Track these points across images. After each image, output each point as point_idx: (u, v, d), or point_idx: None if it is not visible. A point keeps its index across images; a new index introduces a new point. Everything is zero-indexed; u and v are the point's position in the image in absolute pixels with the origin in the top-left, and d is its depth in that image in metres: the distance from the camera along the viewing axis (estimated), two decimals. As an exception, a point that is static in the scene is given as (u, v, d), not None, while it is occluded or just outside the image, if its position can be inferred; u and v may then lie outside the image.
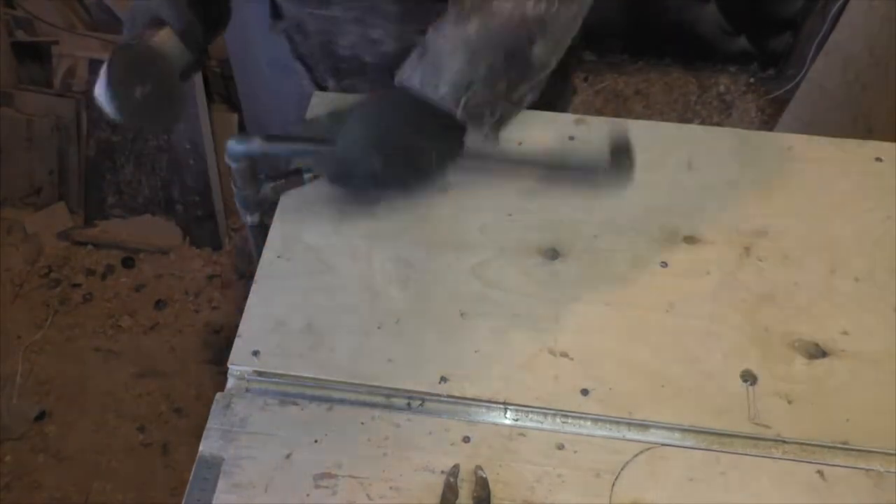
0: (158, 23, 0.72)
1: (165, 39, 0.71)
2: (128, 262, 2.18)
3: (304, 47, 0.95)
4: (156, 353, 2.00)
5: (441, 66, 0.67)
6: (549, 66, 0.69)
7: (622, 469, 0.64)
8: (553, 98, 0.80)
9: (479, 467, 0.64)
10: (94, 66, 2.10)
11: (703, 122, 2.30)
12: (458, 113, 0.67)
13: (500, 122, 0.71)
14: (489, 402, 0.68)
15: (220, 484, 0.63)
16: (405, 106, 0.69)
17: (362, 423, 0.67)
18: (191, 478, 0.64)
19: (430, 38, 0.68)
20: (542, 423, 0.67)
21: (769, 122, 2.32)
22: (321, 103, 0.89)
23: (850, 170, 0.84)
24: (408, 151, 0.70)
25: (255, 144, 0.72)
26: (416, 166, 0.71)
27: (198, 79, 1.97)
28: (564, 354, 0.70)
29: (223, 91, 2.14)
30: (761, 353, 0.71)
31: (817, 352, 0.71)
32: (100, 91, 0.66)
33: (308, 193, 0.79)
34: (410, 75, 0.68)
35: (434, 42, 0.68)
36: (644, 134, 0.86)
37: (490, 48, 0.66)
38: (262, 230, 0.79)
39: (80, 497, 1.76)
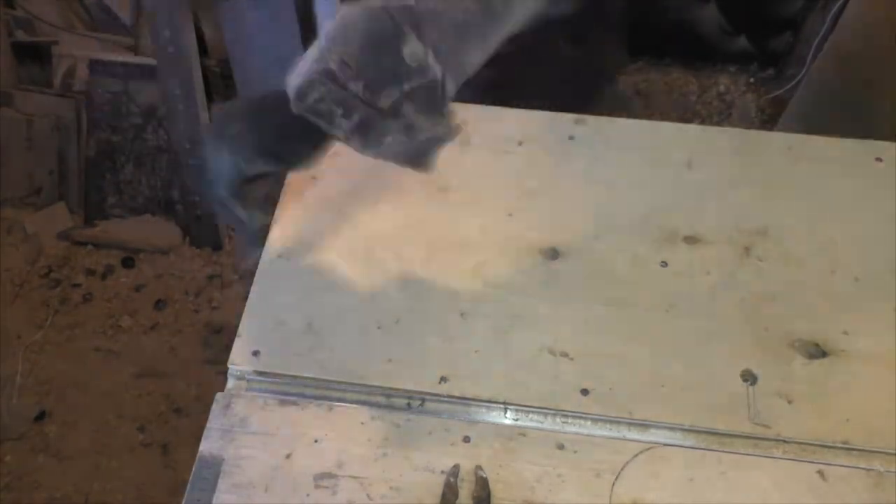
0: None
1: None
2: (128, 262, 2.18)
3: None
4: (156, 353, 2.01)
5: (304, 57, 0.56)
6: (426, 71, 0.55)
7: (622, 469, 0.64)
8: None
9: (479, 467, 0.64)
10: (94, 66, 2.10)
11: (703, 122, 2.30)
12: (296, 106, 0.56)
13: (365, 131, 0.57)
14: (489, 401, 0.68)
15: (220, 484, 0.63)
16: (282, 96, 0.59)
17: (362, 423, 0.67)
18: (191, 478, 0.64)
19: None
20: (542, 422, 0.67)
21: (769, 121, 2.32)
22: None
23: (850, 169, 0.84)
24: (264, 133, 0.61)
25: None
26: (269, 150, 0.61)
27: (197, 79, 1.97)
28: (564, 354, 0.70)
29: (223, 91, 2.14)
30: (761, 353, 0.71)
31: (817, 352, 0.71)
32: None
33: (307, 193, 0.79)
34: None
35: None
36: (644, 134, 0.86)
37: (345, 37, 0.55)
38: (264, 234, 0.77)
39: (80, 497, 1.76)
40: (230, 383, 0.70)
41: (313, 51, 0.55)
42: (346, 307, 0.73)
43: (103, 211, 2.22)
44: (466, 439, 0.66)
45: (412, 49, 0.54)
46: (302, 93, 0.55)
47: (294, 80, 0.56)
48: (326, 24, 0.55)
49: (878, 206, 0.81)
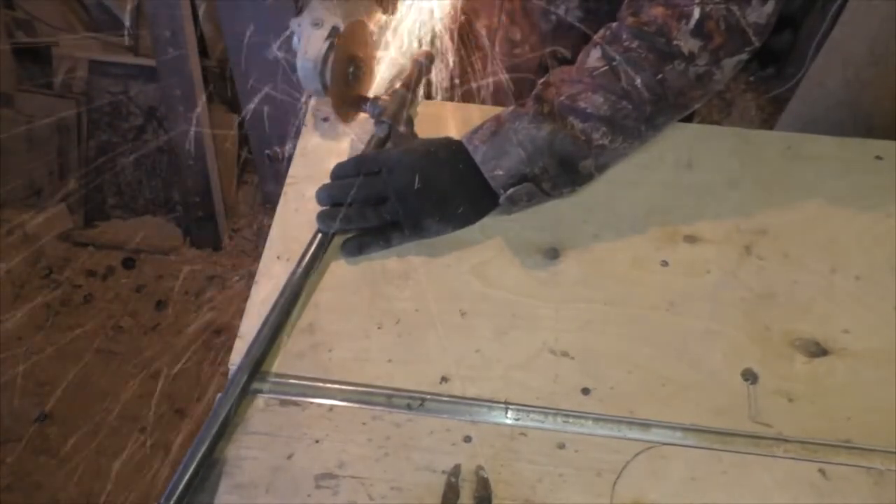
0: None
1: None
2: (128, 263, 2.18)
3: None
4: (156, 354, 2.01)
5: (504, 152, 0.74)
6: (592, 178, 0.78)
7: (623, 468, 0.64)
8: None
9: (480, 467, 0.64)
10: (93, 67, 2.11)
11: (702, 121, 2.29)
12: (502, 197, 0.75)
13: (530, 206, 0.78)
14: (490, 401, 0.68)
15: (222, 485, 0.63)
16: (459, 160, 0.76)
17: (363, 424, 0.67)
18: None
19: (506, 119, 0.75)
20: (543, 422, 0.67)
21: (769, 120, 2.32)
22: (321, 103, 0.89)
23: (850, 168, 0.84)
24: (442, 192, 0.76)
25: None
26: (443, 209, 0.76)
27: (198, 79, 1.97)
28: (565, 354, 0.70)
29: (223, 91, 2.14)
30: (762, 352, 0.71)
31: (818, 350, 0.71)
32: None
33: (308, 194, 0.79)
34: (477, 146, 0.75)
35: (508, 127, 0.74)
36: (644, 133, 0.86)
37: (550, 153, 0.74)
38: None
39: (81, 498, 1.76)
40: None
41: (512, 149, 0.73)
42: (346, 307, 0.73)
43: (104, 212, 2.22)
44: (467, 439, 0.66)
45: (585, 164, 0.75)
46: (514, 190, 0.74)
47: (499, 172, 0.74)
48: (527, 131, 0.73)
49: (878, 205, 0.81)
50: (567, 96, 0.73)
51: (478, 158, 0.75)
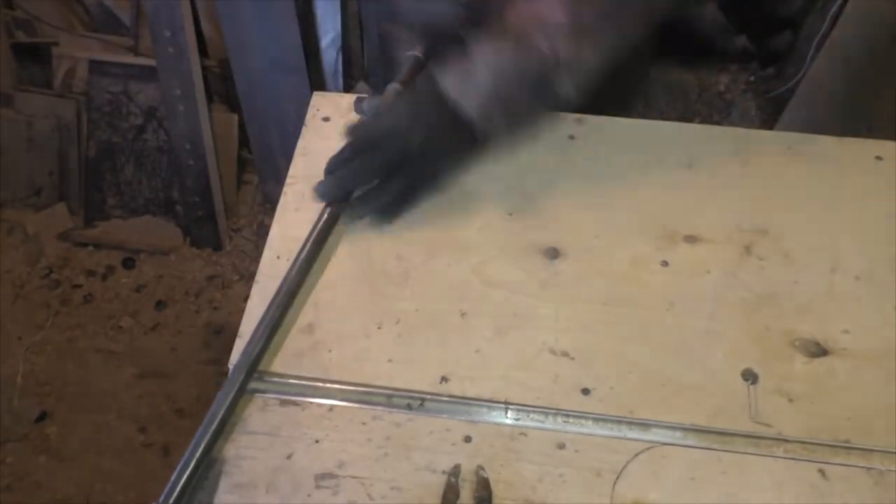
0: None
1: None
2: (128, 263, 2.18)
3: None
4: (156, 354, 2.01)
5: (472, 75, 0.73)
6: (572, 102, 0.75)
7: (623, 468, 0.64)
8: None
9: (480, 467, 0.64)
10: (93, 66, 2.11)
11: (703, 121, 2.30)
12: (475, 120, 0.73)
13: (512, 130, 0.77)
14: (490, 401, 0.68)
15: (221, 484, 0.63)
16: (442, 102, 0.74)
17: (363, 424, 0.67)
18: (192, 478, 0.64)
19: (472, 48, 0.74)
20: (543, 422, 0.67)
21: (769, 120, 2.32)
22: (321, 103, 0.89)
23: (850, 168, 0.84)
24: (442, 144, 0.76)
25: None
26: (447, 157, 0.78)
27: (198, 79, 1.97)
28: (565, 354, 0.70)
29: (223, 91, 2.14)
30: (762, 352, 0.71)
31: (818, 350, 0.71)
32: None
33: (308, 194, 0.79)
34: (444, 75, 0.74)
35: (474, 55, 0.73)
36: (644, 134, 0.86)
37: (517, 75, 0.72)
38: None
39: (81, 498, 1.76)
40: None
41: (480, 69, 0.71)
42: (346, 307, 0.73)
43: (104, 212, 2.22)
44: (467, 439, 0.66)
45: (565, 88, 0.72)
46: (483, 114, 0.73)
47: (471, 94, 0.72)
48: (489, 52, 0.72)
49: (878, 205, 0.81)
50: (528, 14, 0.72)
51: (446, 88, 0.74)
